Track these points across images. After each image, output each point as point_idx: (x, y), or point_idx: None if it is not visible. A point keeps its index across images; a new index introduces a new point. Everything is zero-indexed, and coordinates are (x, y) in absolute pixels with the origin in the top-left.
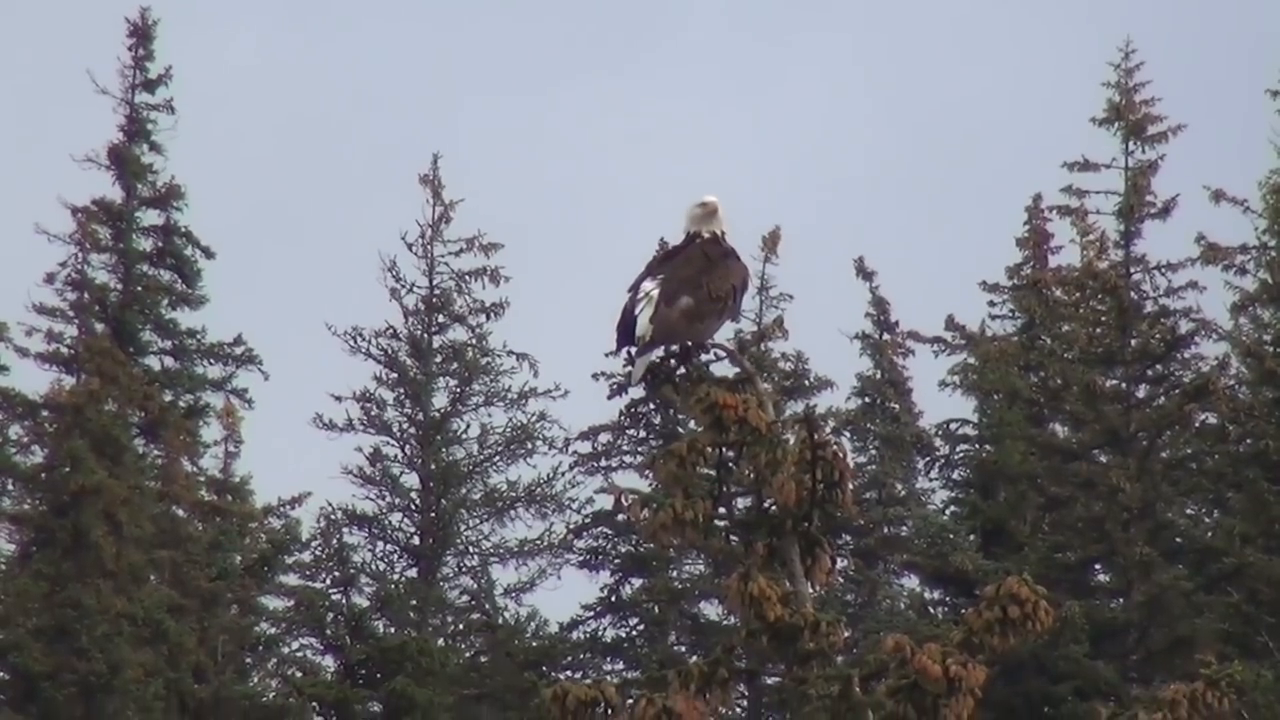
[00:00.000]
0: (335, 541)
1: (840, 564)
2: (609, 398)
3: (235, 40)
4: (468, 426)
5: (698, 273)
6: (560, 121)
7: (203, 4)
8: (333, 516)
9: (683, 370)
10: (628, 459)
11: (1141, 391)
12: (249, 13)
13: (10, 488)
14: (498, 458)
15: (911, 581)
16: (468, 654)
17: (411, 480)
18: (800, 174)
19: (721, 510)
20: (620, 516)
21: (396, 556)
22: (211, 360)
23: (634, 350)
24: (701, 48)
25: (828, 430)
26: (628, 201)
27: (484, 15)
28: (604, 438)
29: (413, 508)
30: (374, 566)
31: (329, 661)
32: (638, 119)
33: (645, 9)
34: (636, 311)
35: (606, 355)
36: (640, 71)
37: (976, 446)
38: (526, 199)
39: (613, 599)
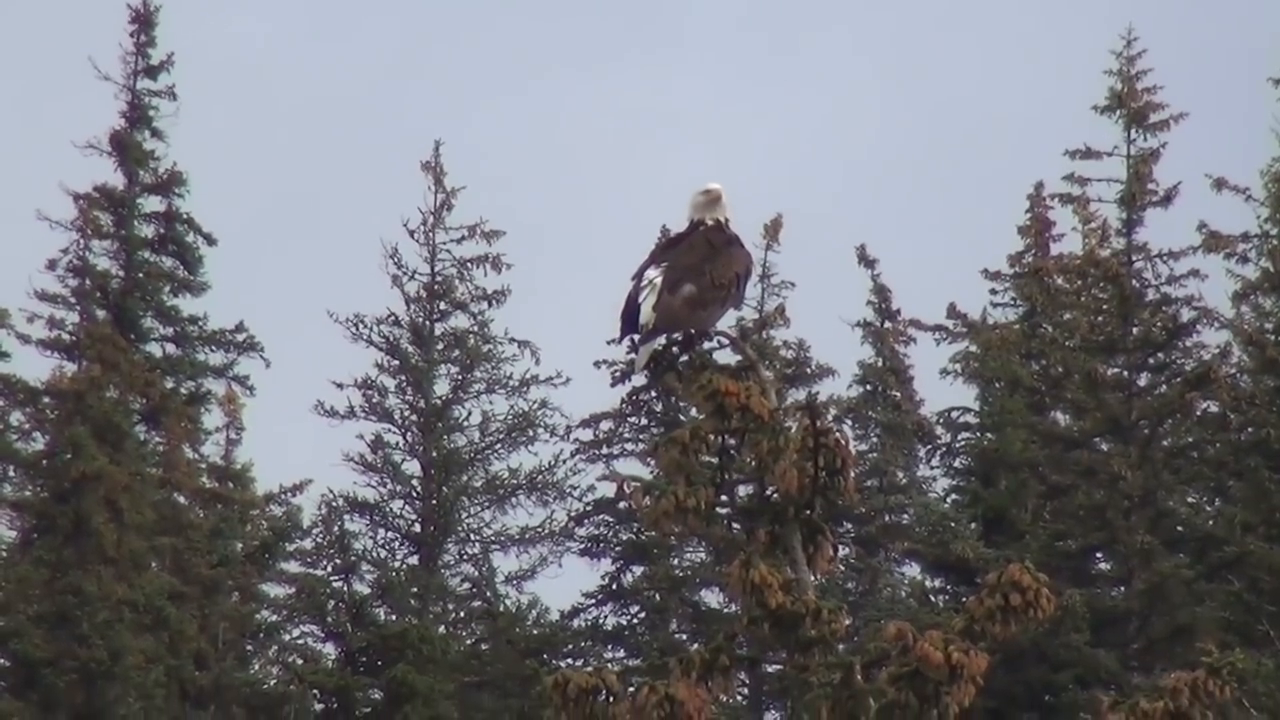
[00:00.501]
0: (336, 529)
1: (842, 552)
2: (611, 385)
3: (238, 26)
4: (469, 414)
5: (701, 260)
6: (564, 110)
7: None
8: (334, 504)
9: (685, 358)
10: (629, 446)
11: (1143, 380)
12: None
13: (12, 474)
14: (499, 445)
15: (913, 569)
16: (469, 641)
17: (413, 467)
18: (802, 162)
19: (723, 498)
20: (622, 504)
21: (397, 544)
22: (213, 347)
23: (637, 338)
24: (705, 39)
25: (829, 418)
26: (631, 189)
27: (488, 5)
28: (606, 425)
29: (414, 495)
30: (375, 554)
31: (330, 649)
32: (642, 107)
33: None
34: (640, 299)
35: (608, 343)
36: (644, 60)
37: (978, 434)
38: (529, 186)
39: (614, 587)
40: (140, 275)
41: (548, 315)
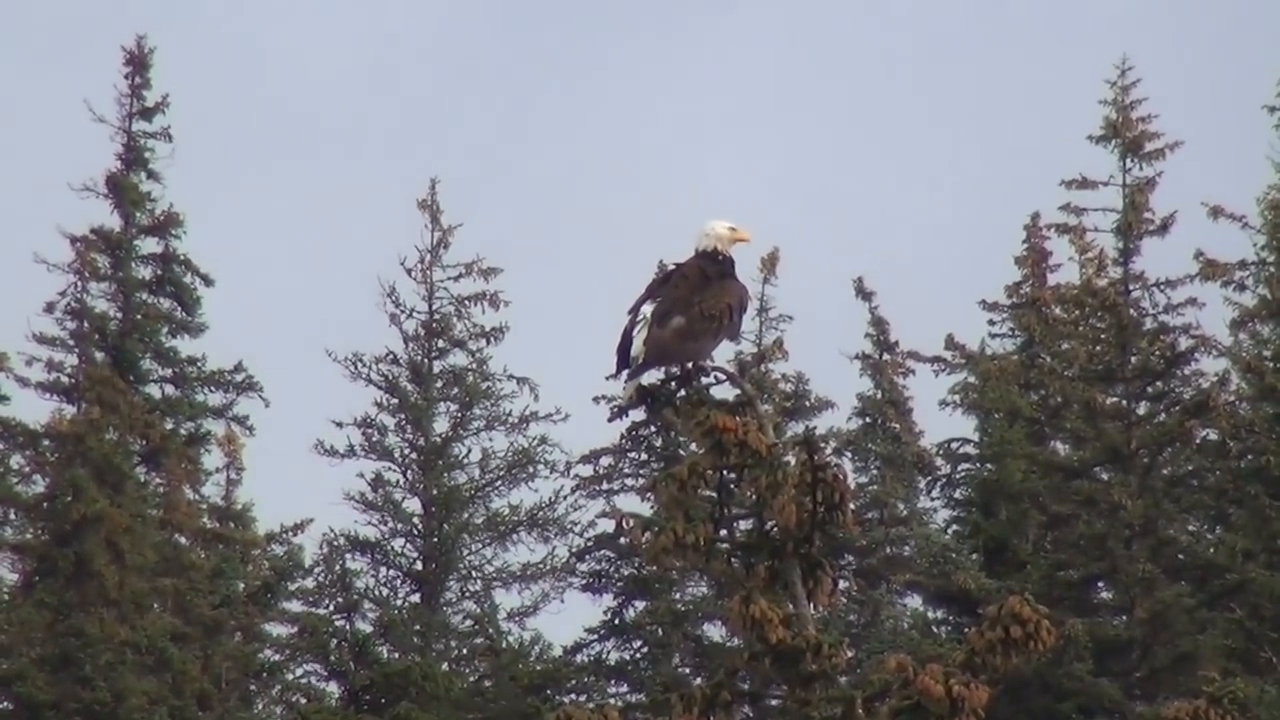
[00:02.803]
0: (338, 567)
1: (842, 585)
2: (610, 420)
3: (233, 64)
4: (469, 451)
5: (690, 292)
6: (563, 140)
7: (199, 29)
8: (335, 542)
9: (682, 393)
10: (629, 482)
11: (1142, 408)
12: (246, 35)
13: (12, 517)
14: (499, 482)
15: (914, 601)
16: (471, 679)
17: (413, 505)
18: (797, 194)
19: (723, 533)
20: (622, 540)
21: (399, 582)
22: (212, 388)
23: (630, 371)
24: (700, 74)
25: (828, 451)
26: (629, 223)
27: (486, 33)
28: (605, 461)
29: (415, 533)
30: (377, 592)
31: (333, 688)
32: (639, 141)
33: (646, 39)
34: (634, 333)
35: (607, 378)
36: (641, 96)
37: (978, 465)
38: (524, 220)
39: (616, 622)
40: (138, 317)
41: (546, 351)
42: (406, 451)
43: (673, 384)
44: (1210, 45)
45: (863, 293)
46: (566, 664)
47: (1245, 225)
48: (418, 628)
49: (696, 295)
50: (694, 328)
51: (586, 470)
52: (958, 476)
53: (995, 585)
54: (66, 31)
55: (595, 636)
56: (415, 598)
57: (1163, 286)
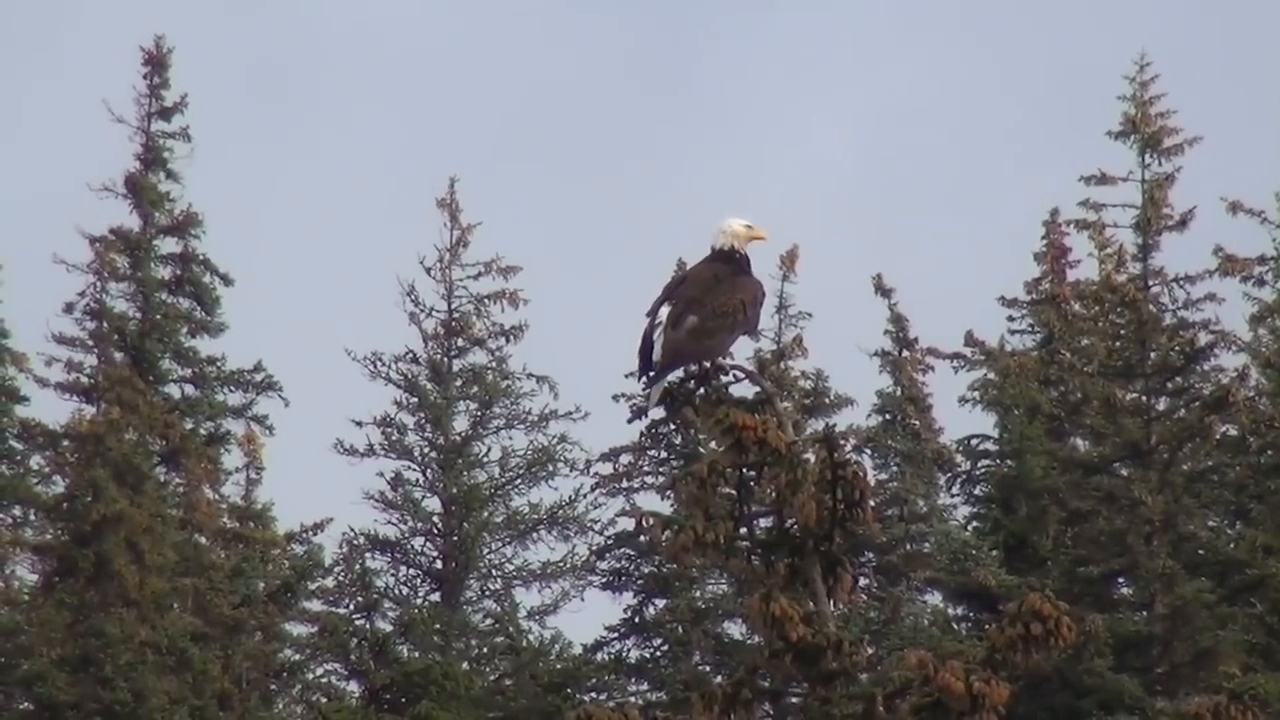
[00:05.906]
0: (358, 567)
1: (862, 582)
2: (629, 419)
3: (250, 62)
4: (489, 450)
5: (703, 292)
6: (580, 143)
7: (214, 29)
8: (355, 542)
9: (702, 391)
10: (649, 480)
11: (1161, 404)
12: (262, 36)
13: (32, 518)
14: (519, 480)
15: (934, 598)
16: (492, 677)
17: (433, 504)
18: (814, 190)
19: (743, 531)
20: (642, 538)
21: (419, 581)
22: (231, 387)
23: (651, 375)
24: (721, 72)
25: (848, 448)
26: (648, 221)
27: (493, 29)
28: (625, 459)
29: (435, 532)
30: (397, 591)
31: (353, 687)
32: (656, 138)
33: (657, 39)
34: (654, 337)
35: (626, 376)
36: (659, 97)
37: (997, 462)
38: (544, 220)
39: (636, 620)
40: (158, 317)
41: (566, 349)
42: (426, 450)
43: (692, 382)
44: (1229, 40)
45: (881, 289)
46: (587, 662)
47: (1264, 220)
48: (438, 627)
49: (709, 294)
50: (708, 325)
51: (606, 468)
52: (977, 473)
53: (1015, 581)
54: (85, 32)
55: (615, 635)
56: (435, 596)
57: (1182, 282)
